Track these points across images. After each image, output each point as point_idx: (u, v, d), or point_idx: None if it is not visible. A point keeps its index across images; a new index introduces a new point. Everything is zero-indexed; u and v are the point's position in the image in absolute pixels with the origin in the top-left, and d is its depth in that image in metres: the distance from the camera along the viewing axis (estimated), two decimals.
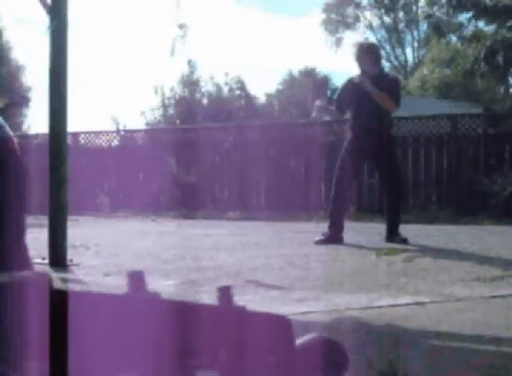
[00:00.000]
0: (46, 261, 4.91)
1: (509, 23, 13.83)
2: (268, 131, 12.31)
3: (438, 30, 17.70)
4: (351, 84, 6.41)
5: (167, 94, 26.57)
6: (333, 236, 6.15)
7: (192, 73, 26.72)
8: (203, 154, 12.46)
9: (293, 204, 11.14)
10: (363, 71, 6.34)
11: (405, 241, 6.00)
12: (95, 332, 0.68)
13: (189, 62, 26.67)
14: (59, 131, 5.15)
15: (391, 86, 6.32)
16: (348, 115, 6.73)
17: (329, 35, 41.16)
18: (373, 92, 6.17)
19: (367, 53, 6.41)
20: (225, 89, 27.28)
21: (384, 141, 6.35)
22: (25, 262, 2.01)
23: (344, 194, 6.45)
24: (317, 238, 6.19)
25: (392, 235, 6.19)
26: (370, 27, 41.26)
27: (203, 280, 4.06)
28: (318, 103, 11.86)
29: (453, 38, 24.19)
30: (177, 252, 5.53)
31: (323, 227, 6.39)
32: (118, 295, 0.72)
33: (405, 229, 6.36)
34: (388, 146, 6.44)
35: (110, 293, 0.72)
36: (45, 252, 4.96)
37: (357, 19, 41.35)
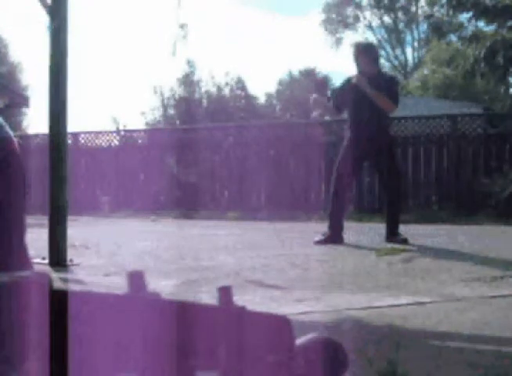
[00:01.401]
0: (46, 261, 4.91)
1: (509, 23, 13.82)
2: (268, 132, 12.32)
3: (438, 30, 17.71)
4: (348, 84, 6.41)
5: (167, 94, 26.59)
6: (333, 236, 6.16)
7: (192, 73, 26.75)
8: (203, 154, 12.46)
9: (293, 204, 11.14)
10: (361, 71, 6.34)
11: (405, 241, 6.00)
12: (94, 332, 0.68)
13: (189, 62, 26.71)
14: (59, 131, 5.15)
15: (388, 86, 6.32)
16: (346, 114, 6.73)
17: (329, 35, 41.20)
18: (371, 93, 6.17)
19: (365, 53, 6.41)
20: (226, 89, 27.30)
21: (383, 141, 6.36)
22: (25, 262, 2.01)
23: (343, 194, 6.45)
24: (317, 238, 6.19)
25: (392, 235, 6.19)
26: (370, 27, 41.30)
27: (203, 280, 4.06)
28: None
29: (453, 38, 24.19)
30: (177, 252, 5.53)
31: (323, 227, 6.39)
32: (118, 295, 0.72)
33: (405, 229, 6.36)
34: (388, 146, 6.44)
35: (110, 293, 0.72)
36: (45, 252, 4.96)
37: (357, 19, 41.37)
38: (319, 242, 6.11)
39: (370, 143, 6.22)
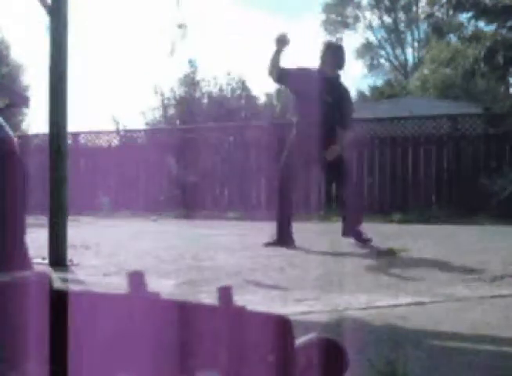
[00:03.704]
0: (46, 261, 4.91)
1: (509, 23, 13.82)
2: (268, 131, 12.31)
3: (438, 30, 17.72)
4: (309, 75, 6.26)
5: (167, 94, 26.59)
6: (282, 239, 6.11)
7: (193, 73, 26.74)
8: (203, 154, 12.46)
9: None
10: (322, 70, 6.25)
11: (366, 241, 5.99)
12: (94, 332, 0.68)
13: (190, 61, 26.69)
14: (59, 132, 5.15)
15: (342, 100, 6.20)
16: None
17: (329, 35, 41.18)
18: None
19: (333, 54, 6.32)
20: (228, 90, 27.28)
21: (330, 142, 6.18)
22: (25, 262, 2.01)
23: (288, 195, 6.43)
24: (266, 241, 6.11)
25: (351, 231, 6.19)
26: (370, 27, 41.31)
27: (203, 280, 4.06)
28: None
29: (453, 38, 24.19)
30: (177, 252, 5.53)
31: (324, 227, 6.38)
32: (118, 295, 0.72)
33: (405, 229, 6.36)
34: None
35: (110, 293, 0.72)
36: (45, 252, 4.96)
37: (357, 19, 41.38)
38: (268, 244, 6.04)
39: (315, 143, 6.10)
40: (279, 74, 6.20)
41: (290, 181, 6.26)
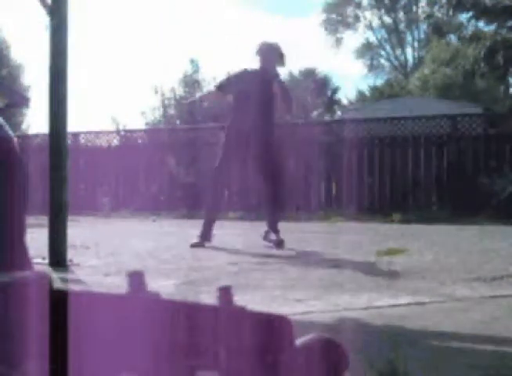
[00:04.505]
0: (46, 261, 4.90)
1: (509, 23, 13.83)
2: None
3: (438, 30, 17.75)
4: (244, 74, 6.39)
5: (167, 94, 26.60)
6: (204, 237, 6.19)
7: (195, 72, 26.75)
8: (203, 154, 12.46)
9: (293, 204, 11.13)
10: (260, 67, 6.35)
11: (280, 243, 5.98)
12: (95, 332, 0.68)
13: (192, 61, 26.71)
14: (59, 131, 5.14)
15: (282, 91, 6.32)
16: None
17: (330, 35, 41.22)
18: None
19: (266, 52, 6.42)
20: None
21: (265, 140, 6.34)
22: (25, 262, 2.01)
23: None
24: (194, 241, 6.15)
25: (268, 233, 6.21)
26: (370, 27, 41.32)
27: (203, 280, 4.06)
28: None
29: (453, 38, 24.20)
30: (177, 252, 5.53)
31: (324, 227, 6.38)
32: (118, 295, 0.72)
33: (405, 229, 6.36)
34: (270, 147, 6.42)
35: (110, 293, 0.72)
36: (45, 252, 4.95)
37: (357, 19, 41.41)
38: (195, 245, 6.07)
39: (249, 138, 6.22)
40: (221, 86, 6.55)
41: (221, 182, 6.40)
